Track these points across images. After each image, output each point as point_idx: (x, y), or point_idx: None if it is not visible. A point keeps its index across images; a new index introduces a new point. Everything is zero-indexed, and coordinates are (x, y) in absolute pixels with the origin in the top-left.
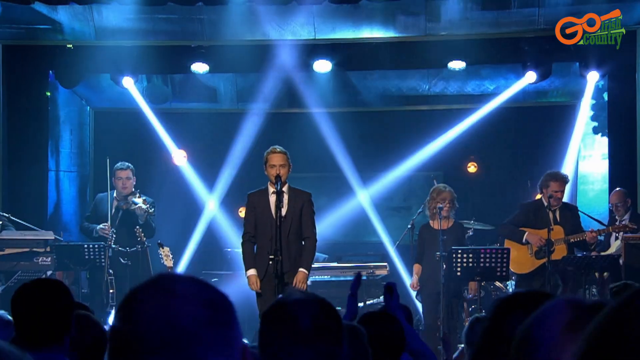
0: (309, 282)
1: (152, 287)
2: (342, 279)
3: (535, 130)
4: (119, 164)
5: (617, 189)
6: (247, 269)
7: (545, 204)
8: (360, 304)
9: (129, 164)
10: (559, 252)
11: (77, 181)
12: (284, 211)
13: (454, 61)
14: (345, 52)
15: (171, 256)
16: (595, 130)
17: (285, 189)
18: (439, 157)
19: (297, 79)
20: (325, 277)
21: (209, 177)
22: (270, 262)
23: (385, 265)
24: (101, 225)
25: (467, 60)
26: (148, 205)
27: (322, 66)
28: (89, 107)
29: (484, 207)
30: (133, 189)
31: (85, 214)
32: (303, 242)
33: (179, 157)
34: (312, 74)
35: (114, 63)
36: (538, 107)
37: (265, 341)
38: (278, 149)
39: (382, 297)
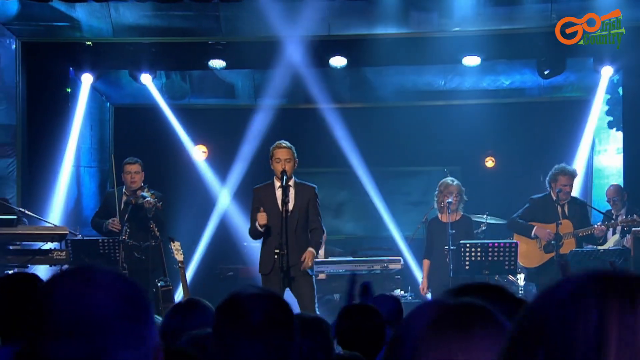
0: (323, 276)
1: (72, 275)
2: (356, 272)
3: (551, 125)
4: (127, 159)
5: (613, 184)
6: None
7: (554, 198)
8: None
9: (138, 159)
10: (568, 246)
11: (97, 176)
12: (290, 206)
13: (467, 57)
14: (360, 49)
15: (181, 250)
16: (610, 125)
17: (291, 183)
18: (457, 152)
19: (314, 74)
20: (340, 270)
21: (227, 172)
22: (276, 256)
23: (399, 260)
24: (110, 220)
25: (480, 55)
26: (156, 199)
27: (338, 62)
28: (109, 104)
29: (501, 201)
30: (142, 184)
31: (96, 210)
32: (310, 234)
33: (199, 153)
34: (328, 70)
35: (132, 60)
36: (554, 102)
37: (219, 334)
38: (284, 144)
39: (395, 291)
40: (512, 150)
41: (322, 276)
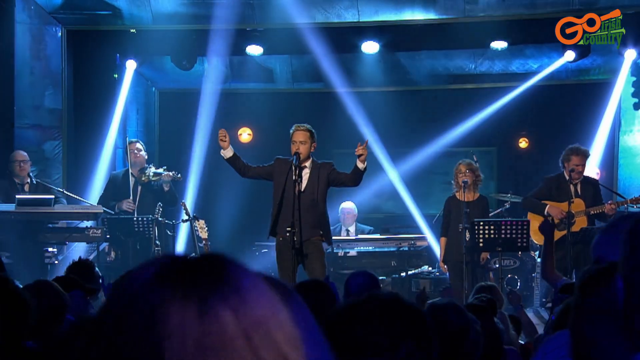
0: (353, 253)
1: None
2: (385, 249)
3: (579, 106)
4: (130, 138)
5: None
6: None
7: (567, 177)
8: (403, 274)
9: (138, 139)
10: (579, 223)
11: None
12: (303, 186)
13: (494, 41)
14: (390, 34)
15: (206, 229)
16: (636, 107)
17: (307, 164)
18: (492, 133)
19: (348, 59)
20: (369, 248)
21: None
22: (288, 234)
23: (425, 237)
24: (124, 201)
25: (507, 40)
26: (174, 171)
27: (370, 47)
28: (154, 88)
29: (537, 180)
30: (146, 163)
31: (100, 195)
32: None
33: (244, 135)
34: (362, 55)
35: (173, 46)
36: (580, 85)
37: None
38: (301, 127)
39: (423, 267)
40: (544, 131)
41: (352, 253)
